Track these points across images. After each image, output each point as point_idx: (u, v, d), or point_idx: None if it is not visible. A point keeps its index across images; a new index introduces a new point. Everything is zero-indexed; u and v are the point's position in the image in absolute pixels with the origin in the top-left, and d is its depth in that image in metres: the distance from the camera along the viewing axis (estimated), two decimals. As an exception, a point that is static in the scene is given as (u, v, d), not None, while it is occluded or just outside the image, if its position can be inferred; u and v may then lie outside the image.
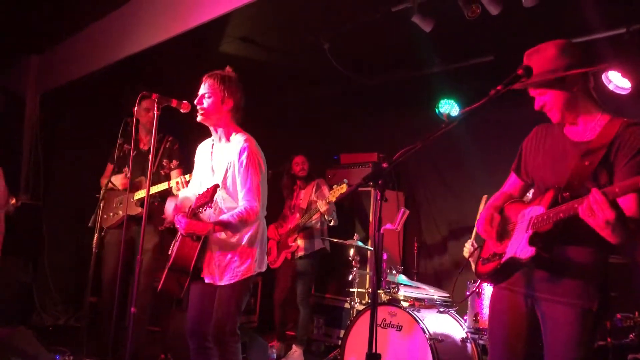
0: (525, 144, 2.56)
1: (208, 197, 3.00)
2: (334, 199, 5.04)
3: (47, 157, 6.39)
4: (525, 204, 2.40)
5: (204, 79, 3.24)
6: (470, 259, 4.03)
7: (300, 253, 5.45)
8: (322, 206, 5.16)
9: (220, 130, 3.27)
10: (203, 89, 3.21)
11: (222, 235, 3.13)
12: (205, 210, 3.09)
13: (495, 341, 2.46)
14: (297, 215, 5.51)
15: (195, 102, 3.20)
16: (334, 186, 5.09)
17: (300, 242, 5.46)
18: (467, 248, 4.07)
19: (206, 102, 3.17)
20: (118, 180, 4.49)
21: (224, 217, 3.09)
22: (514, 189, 2.62)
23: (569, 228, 2.09)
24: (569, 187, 2.18)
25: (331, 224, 5.37)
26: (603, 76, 4.36)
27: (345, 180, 5.02)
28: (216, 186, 3.03)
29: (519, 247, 2.24)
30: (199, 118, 3.21)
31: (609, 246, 2.10)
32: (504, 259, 2.30)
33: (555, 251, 2.17)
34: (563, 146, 2.34)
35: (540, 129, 2.52)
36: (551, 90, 2.27)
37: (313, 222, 5.40)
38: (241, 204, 3.12)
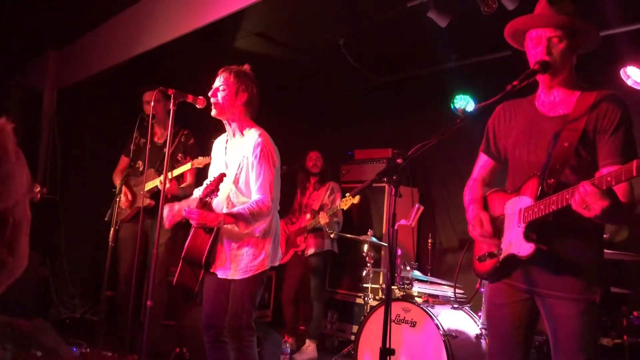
0: (492, 122, 2.55)
1: (214, 185, 3.06)
2: (345, 207, 5.05)
3: (64, 152, 6.45)
4: (508, 194, 2.37)
5: (219, 72, 3.26)
6: None
7: (311, 251, 5.50)
8: (322, 219, 5.21)
9: (234, 124, 3.27)
10: (218, 82, 3.23)
11: (234, 227, 3.13)
12: (212, 198, 3.12)
13: (494, 335, 2.47)
14: (308, 215, 5.54)
15: (209, 94, 3.22)
16: (347, 194, 5.08)
17: (310, 241, 5.51)
18: None
19: (220, 95, 3.19)
20: (123, 198, 4.51)
21: (235, 209, 3.11)
22: (485, 172, 2.61)
23: (562, 217, 2.08)
24: (552, 172, 2.17)
25: (332, 235, 5.40)
26: (621, 72, 4.32)
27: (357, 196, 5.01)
28: (222, 175, 3.08)
29: (515, 244, 2.22)
30: (213, 112, 3.22)
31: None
32: (501, 257, 2.28)
33: (554, 245, 2.16)
34: (538, 122, 2.32)
35: (506, 107, 2.50)
36: (570, 40, 2.24)
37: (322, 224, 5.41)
38: (253, 198, 3.13)
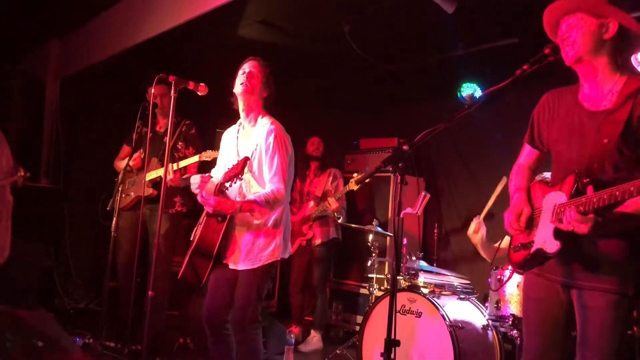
0: (537, 112, 2.47)
1: (239, 168, 2.96)
2: (355, 188, 5.02)
3: (67, 141, 6.42)
4: (548, 187, 2.32)
5: (248, 59, 3.27)
6: (475, 241, 3.99)
7: (318, 241, 5.46)
8: (332, 203, 5.17)
9: (251, 114, 3.27)
10: (248, 67, 3.22)
11: (249, 215, 3.10)
12: (235, 182, 3.02)
13: (530, 329, 2.40)
14: (312, 203, 5.49)
15: (244, 76, 3.20)
16: (355, 174, 5.06)
17: (316, 230, 5.47)
18: (473, 225, 4.02)
19: (252, 80, 3.19)
20: (130, 161, 4.46)
21: (251, 196, 3.08)
22: (531, 160, 2.55)
23: (601, 213, 2.01)
24: (589, 171, 2.11)
25: (339, 220, 5.36)
26: (632, 58, 4.24)
27: (367, 167, 5.01)
28: (246, 158, 3.00)
29: (545, 239, 2.19)
30: (241, 89, 3.19)
31: None
32: (532, 250, 2.25)
33: (586, 240, 2.11)
34: (579, 117, 2.24)
35: (550, 96, 2.42)
36: (586, 17, 2.14)
37: (328, 212, 5.37)
38: (268, 186, 3.10)
